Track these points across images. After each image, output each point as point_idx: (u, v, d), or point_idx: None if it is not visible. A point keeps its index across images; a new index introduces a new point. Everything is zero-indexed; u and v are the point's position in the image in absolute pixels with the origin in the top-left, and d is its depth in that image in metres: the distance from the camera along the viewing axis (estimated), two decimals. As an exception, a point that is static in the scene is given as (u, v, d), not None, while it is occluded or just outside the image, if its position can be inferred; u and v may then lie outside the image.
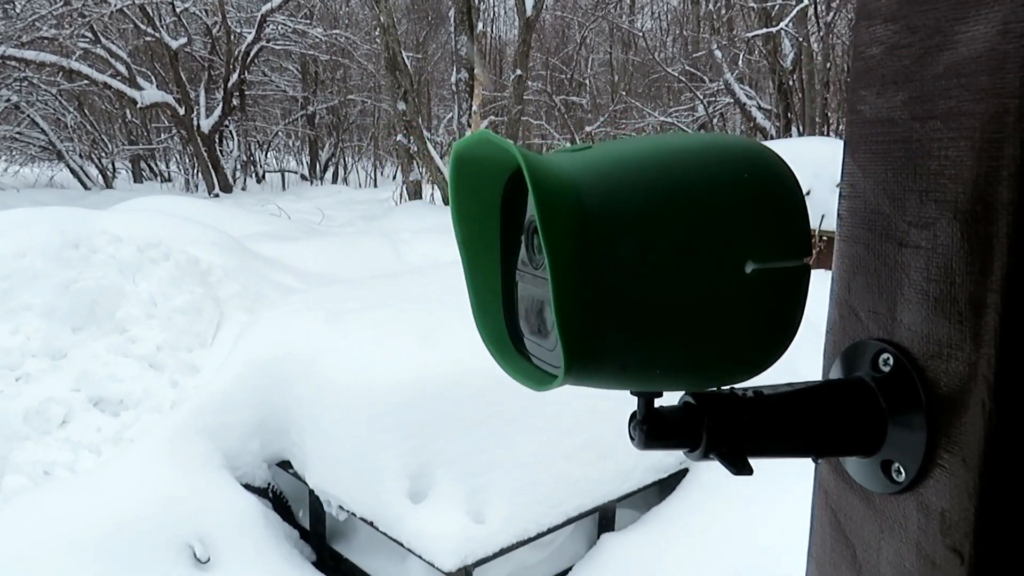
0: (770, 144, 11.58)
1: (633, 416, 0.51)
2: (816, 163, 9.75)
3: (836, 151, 10.36)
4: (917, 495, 0.52)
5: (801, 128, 14.17)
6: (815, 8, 13.26)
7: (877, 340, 0.55)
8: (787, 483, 3.76)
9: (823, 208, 9.18)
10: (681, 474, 4.12)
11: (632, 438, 0.51)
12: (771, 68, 14.43)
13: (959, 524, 0.49)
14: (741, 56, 15.78)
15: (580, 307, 0.43)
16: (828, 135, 13.42)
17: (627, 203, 0.44)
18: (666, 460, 4.12)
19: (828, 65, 14.44)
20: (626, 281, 0.44)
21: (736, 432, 0.50)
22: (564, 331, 0.43)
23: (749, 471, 0.50)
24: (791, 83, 14.35)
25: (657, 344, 0.46)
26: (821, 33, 13.61)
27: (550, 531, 3.26)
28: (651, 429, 0.50)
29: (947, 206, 0.49)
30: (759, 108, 15.30)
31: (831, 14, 13.56)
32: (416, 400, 3.32)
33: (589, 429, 3.83)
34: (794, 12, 12.87)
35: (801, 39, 13.36)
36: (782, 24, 12.84)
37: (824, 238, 9.05)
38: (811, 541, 0.64)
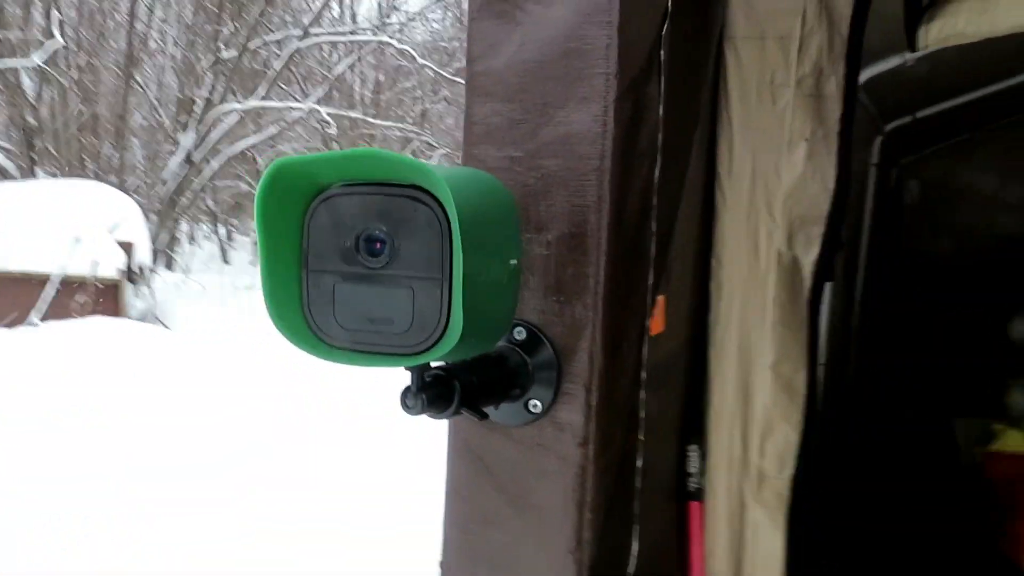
0: (27, 185, 10.55)
1: (408, 389, 0.63)
2: (86, 208, 9.38)
3: (107, 197, 10.10)
4: (551, 417, 0.78)
5: (56, 170, 13.35)
6: (68, 52, 12.68)
7: None
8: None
9: (96, 255, 8.88)
10: None
11: (408, 407, 0.63)
12: (10, 103, 13.16)
13: (581, 427, 0.77)
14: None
15: (468, 293, 0.56)
16: (88, 178, 12.93)
17: (477, 217, 0.59)
18: None
19: (80, 111, 13.91)
20: (479, 274, 0.58)
21: (472, 391, 0.68)
22: (466, 315, 0.55)
23: (487, 416, 0.69)
24: (36, 124, 13.36)
25: (483, 320, 0.61)
26: (76, 78, 13.08)
27: None
28: (430, 397, 0.63)
29: (557, 225, 0.77)
30: (-1, 147, 13.77)
31: (87, 59, 13.17)
32: None
33: None
34: (51, 51, 12.05)
35: (66, 83, 12.61)
36: (38, 60, 11.87)
37: (100, 284, 8.76)
38: (449, 484, 0.84)
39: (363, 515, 3.88)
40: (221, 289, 12.55)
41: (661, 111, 0.82)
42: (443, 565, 0.83)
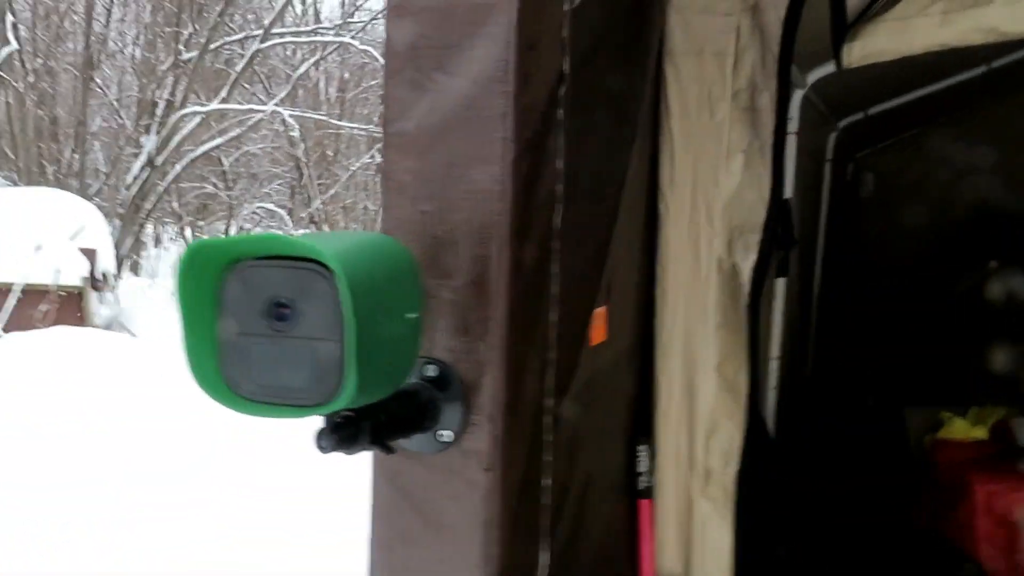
0: (-4, 194, 10.33)
1: (321, 430, 0.72)
2: (47, 216, 9.27)
3: (68, 204, 9.99)
4: (459, 446, 0.86)
5: (15, 175, 13.15)
6: (21, 55, 12.47)
7: (422, 357, 0.87)
8: None
9: (58, 263, 8.79)
10: None
11: (321, 447, 0.71)
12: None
13: (486, 454, 0.85)
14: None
15: (361, 352, 0.64)
16: (48, 182, 12.75)
17: (369, 284, 0.67)
18: None
19: (38, 115, 13.68)
20: (373, 332, 0.67)
21: (380, 428, 0.76)
22: (359, 368, 0.63)
23: (394, 451, 0.77)
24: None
25: (380, 372, 0.69)
26: (32, 82, 12.88)
27: None
28: (340, 437, 0.72)
29: (463, 273, 0.85)
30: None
31: (43, 62, 12.97)
32: None
33: None
34: (5, 55, 11.86)
35: (22, 87, 12.40)
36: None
37: (63, 293, 8.66)
38: (374, 507, 0.92)
39: (344, 520, 3.91)
40: (188, 293, 12.44)
41: (560, 164, 0.91)
42: None
